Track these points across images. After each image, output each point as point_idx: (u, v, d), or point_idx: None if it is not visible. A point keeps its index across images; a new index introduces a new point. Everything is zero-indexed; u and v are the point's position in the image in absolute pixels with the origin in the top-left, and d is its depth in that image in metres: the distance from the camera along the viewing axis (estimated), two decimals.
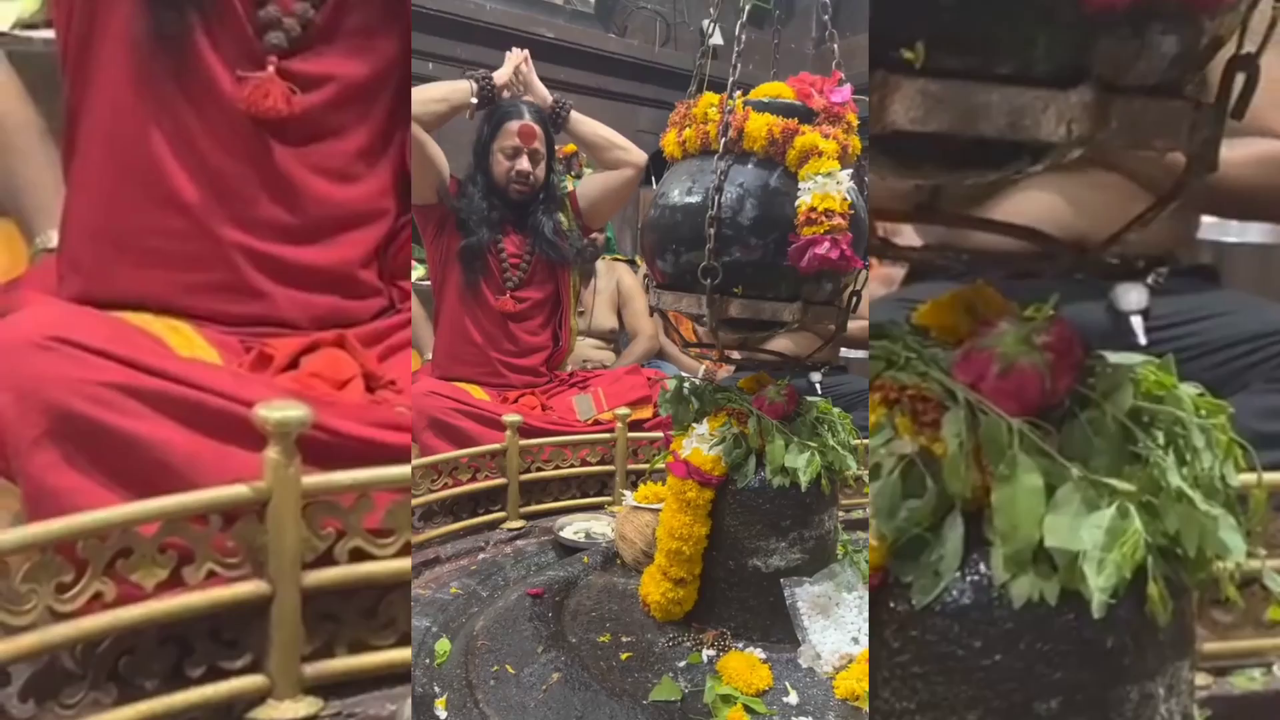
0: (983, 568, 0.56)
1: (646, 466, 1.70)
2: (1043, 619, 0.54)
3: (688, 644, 1.05)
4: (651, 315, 1.28)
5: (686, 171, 1.08)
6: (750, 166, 1.04)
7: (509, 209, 2.20)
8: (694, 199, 1.04)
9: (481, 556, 1.48)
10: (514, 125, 2.15)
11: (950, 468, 0.56)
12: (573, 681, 0.94)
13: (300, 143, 1.14)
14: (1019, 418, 0.56)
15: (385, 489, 0.85)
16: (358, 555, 0.85)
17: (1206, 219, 1.72)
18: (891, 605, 0.59)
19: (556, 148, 2.30)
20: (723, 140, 1.02)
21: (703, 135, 1.06)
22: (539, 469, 1.68)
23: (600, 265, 3.02)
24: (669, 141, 1.12)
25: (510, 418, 1.62)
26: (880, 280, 2.28)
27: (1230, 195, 1.30)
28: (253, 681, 0.80)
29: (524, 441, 1.63)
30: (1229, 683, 0.96)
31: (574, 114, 2.25)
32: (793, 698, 0.95)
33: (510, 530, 1.59)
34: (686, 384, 1.20)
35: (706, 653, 1.03)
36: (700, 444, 1.10)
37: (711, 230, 1.00)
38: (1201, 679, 0.93)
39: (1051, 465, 0.55)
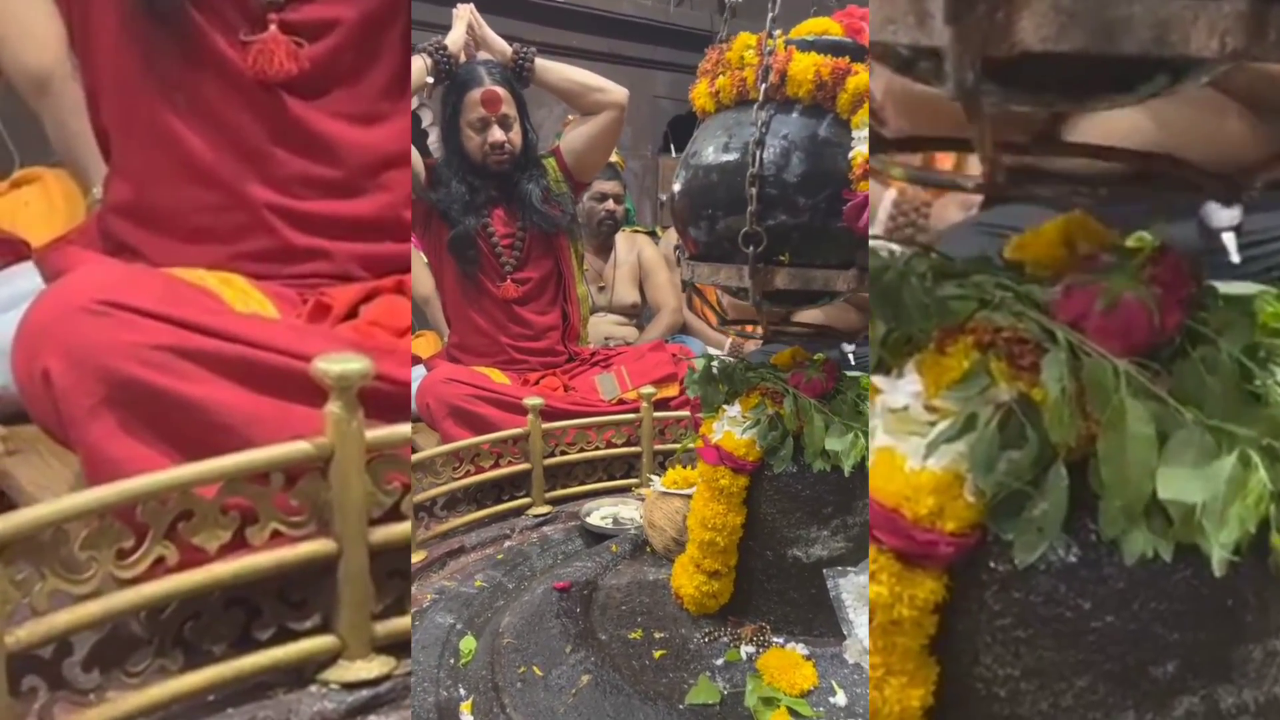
0: (1090, 523, 0.53)
1: (678, 447, 1.66)
2: (1157, 577, 0.52)
3: (725, 639, 0.99)
4: (685, 291, 1.23)
5: (721, 125, 0.97)
6: (795, 115, 0.92)
7: (492, 185, 2.09)
8: (731, 156, 0.93)
9: (507, 544, 1.47)
10: (476, 94, 2.00)
11: (1052, 415, 0.53)
12: (604, 684, 0.89)
13: (318, 94, 1.11)
14: (1125, 358, 0.53)
15: None
16: None
17: None
18: (991, 565, 0.56)
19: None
20: (763, 87, 0.90)
21: (739, 83, 0.94)
22: (563, 452, 1.66)
23: (620, 238, 2.94)
24: (700, 93, 1.00)
25: (532, 401, 1.60)
26: (958, 205, 2.18)
27: None
28: (323, 642, 0.78)
29: (547, 425, 1.61)
30: None
31: (539, 62, 2.09)
32: (840, 698, 0.87)
33: (536, 516, 1.58)
34: (715, 363, 1.12)
35: (745, 649, 0.96)
36: (732, 427, 1.01)
37: (753, 190, 0.89)
38: None
39: (1163, 410, 0.52)
